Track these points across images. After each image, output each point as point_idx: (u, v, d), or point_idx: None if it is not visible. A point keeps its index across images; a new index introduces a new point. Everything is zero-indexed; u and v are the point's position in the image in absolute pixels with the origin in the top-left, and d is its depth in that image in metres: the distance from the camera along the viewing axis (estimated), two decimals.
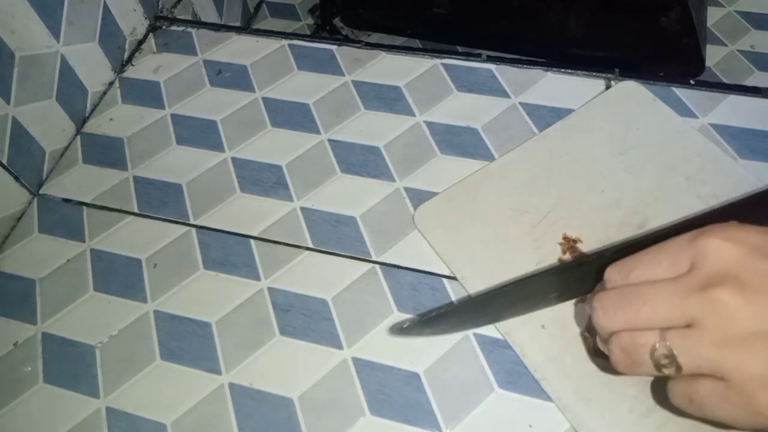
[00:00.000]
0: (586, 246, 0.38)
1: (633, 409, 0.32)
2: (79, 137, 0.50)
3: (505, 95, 0.48)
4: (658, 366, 0.26)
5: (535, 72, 0.49)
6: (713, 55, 0.65)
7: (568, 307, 0.36)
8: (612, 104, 0.45)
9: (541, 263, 0.38)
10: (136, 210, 0.45)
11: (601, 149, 0.43)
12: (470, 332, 0.37)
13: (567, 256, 0.38)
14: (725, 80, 0.63)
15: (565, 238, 0.39)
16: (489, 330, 0.37)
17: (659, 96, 0.46)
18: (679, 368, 0.26)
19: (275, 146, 0.47)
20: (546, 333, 0.36)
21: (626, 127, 0.44)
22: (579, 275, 0.33)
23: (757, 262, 0.25)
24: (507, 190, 0.42)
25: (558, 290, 0.34)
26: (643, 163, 0.42)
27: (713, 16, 0.68)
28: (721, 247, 0.26)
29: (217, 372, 0.37)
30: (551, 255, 0.38)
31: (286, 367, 0.37)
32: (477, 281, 0.38)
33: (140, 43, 0.56)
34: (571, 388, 0.34)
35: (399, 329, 0.37)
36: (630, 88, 0.46)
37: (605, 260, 0.31)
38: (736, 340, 0.25)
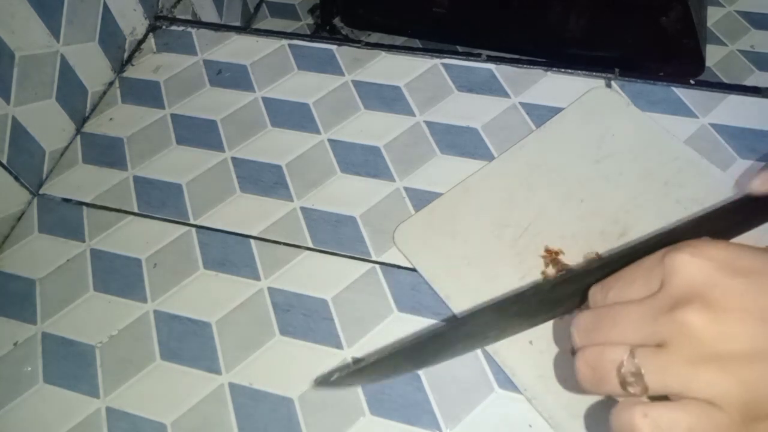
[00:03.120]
0: (569, 257, 0.38)
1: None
2: (79, 137, 0.50)
3: (505, 95, 0.48)
4: (623, 383, 0.25)
5: (535, 72, 0.49)
6: (713, 55, 0.64)
7: (555, 321, 0.36)
8: (586, 111, 0.45)
9: (525, 277, 0.38)
10: (135, 210, 0.45)
11: (577, 158, 0.43)
12: None
13: (550, 269, 0.38)
14: (725, 80, 0.63)
15: (547, 250, 0.39)
16: None
17: (659, 96, 0.46)
18: (645, 388, 0.25)
19: (275, 146, 0.47)
20: (534, 349, 0.35)
21: (601, 134, 0.43)
22: (521, 309, 0.32)
23: (723, 278, 0.25)
24: (486, 205, 0.41)
25: (497, 328, 0.33)
26: (620, 170, 0.42)
27: (713, 16, 0.68)
28: (688, 263, 0.26)
29: (217, 372, 0.37)
30: (534, 269, 0.38)
31: (286, 367, 0.37)
32: (462, 300, 0.38)
33: (140, 42, 0.56)
34: (562, 405, 0.33)
35: (327, 382, 0.34)
36: (603, 94, 0.46)
37: (544, 293, 0.32)
38: (706, 360, 0.24)
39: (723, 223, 0.33)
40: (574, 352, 0.34)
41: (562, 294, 0.32)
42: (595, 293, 0.29)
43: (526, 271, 0.38)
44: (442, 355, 0.34)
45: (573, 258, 0.38)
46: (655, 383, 0.25)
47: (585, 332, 0.28)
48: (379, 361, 0.32)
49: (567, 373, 0.34)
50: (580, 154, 0.43)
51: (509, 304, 0.33)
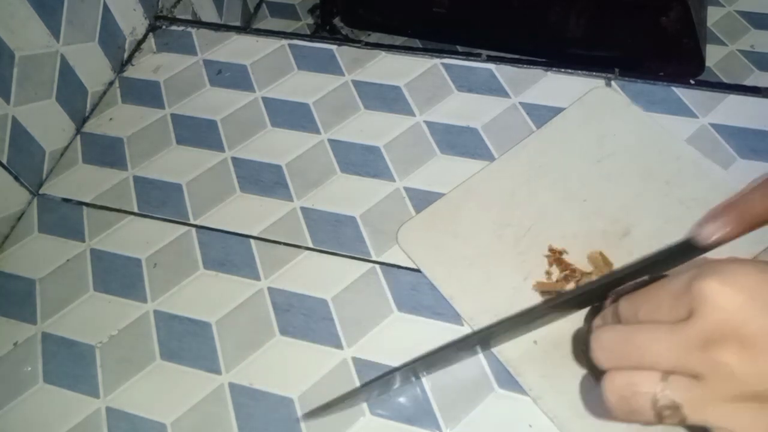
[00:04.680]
0: (572, 257, 0.38)
1: (631, 424, 0.32)
2: (78, 137, 0.50)
3: (505, 95, 0.48)
4: (659, 417, 0.25)
5: (535, 72, 0.49)
6: (713, 55, 0.64)
7: (560, 322, 0.35)
8: (587, 111, 0.45)
9: (528, 277, 0.38)
10: (135, 210, 0.45)
11: (578, 158, 0.43)
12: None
13: (554, 269, 0.38)
14: (725, 80, 0.63)
15: (551, 249, 0.39)
16: None
17: (659, 96, 0.46)
18: (683, 420, 0.24)
19: (275, 146, 0.47)
20: (538, 349, 0.35)
21: (602, 133, 0.44)
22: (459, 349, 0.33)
23: (756, 312, 0.24)
24: (488, 205, 0.41)
25: (451, 360, 0.33)
26: (621, 170, 0.42)
27: (713, 16, 0.68)
28: (718, 293, 0.24)
29: (217, 372, 0.37)
30: (538, 268, 0.38)
31: (286, 367, 0.37)
32: (465, 300, 0.38)
33: (140, 42, 0.56)
34: (567, 405, 0.33)
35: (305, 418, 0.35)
36: (604, 94, 0.46)
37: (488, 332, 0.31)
38: (746, 399, 0.24)
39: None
40: (585, 348, 0.34)
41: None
42: (624, 307, 0.29)
43: (528, 270, 0.38)
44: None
45: (576, 257, 0.38)
46: (694, 417, 0.24)
47: (610, 352, 0.27)
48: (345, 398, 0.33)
49: (571, 372, 0.34)
50: (582, 153, 0.43)
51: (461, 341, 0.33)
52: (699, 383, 0.24)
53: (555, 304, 0.33)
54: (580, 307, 0.33)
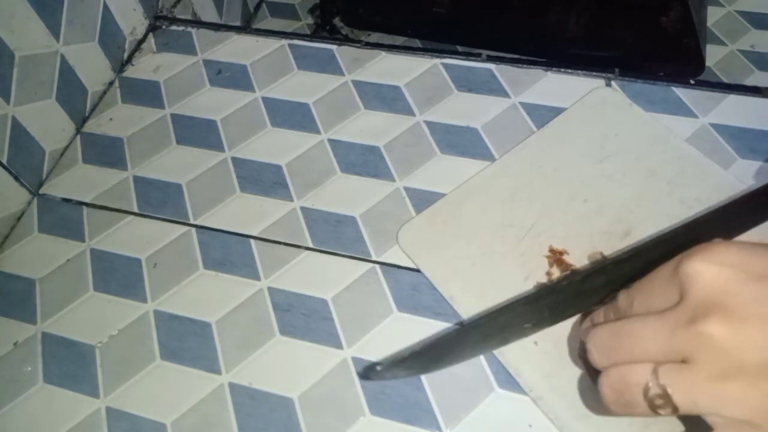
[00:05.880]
0: (573, 257, 0.38)
1: (632, 423, 0.32)
2: (78, 137, 0.50)
3: (505, 95, 0.48)
4: (652, 407, 0.25)
5: (535, 72, 0.49)
6: (713, 55, 0.64)
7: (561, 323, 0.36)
8: (588, 111, 0.45)
9: (530, 278, 0.38)
10: (135, 210, 0.45)
11: (580, 158, 0.43)
12: None
13: (554, 269, 0.38)
14: (725, 80, 0.63)
15: (552, 250, 0.39)
16: None
17: (659, 96, 0.46)
18: (675, 409, 0.24)
19: (275, 146, 0.47)
20: (539, 349, 0.35)
21: (604, 133, 0.43)
22: (551, 303, 0.32)
23: (740, 286, 0.24)
24: (490, 205, 0.41)
25: (531, 320, 0.32)
26: (623, 170, 0.42)
27: (713, 15, 0.68)
28: (702, 271, 0.25)
29: (217, 372, 0.37)
30: (539, 268, 0.38)
31: (286, 367, 0.37)
32: (466, 300, 0.38)
33: (140, 42, 0.56)
34: (567, 405, 0.33)
35: (373, 372, 0.32)
36: (606, 94, 0.46)
37: (576, 285, 0.31)
38: (733, 375, 0.23)
39: (728, 221, 0.33)
40: (584, 358, 0.34)
41: (594, 285, 0.31)
42: (621, 299, 0.29)
43: (530, 271, 0.38)
44: (480, 347, 0.34)
45: (577, 258, 0.38)
46: (685, 403, 0.24)
47: (605, 351, 0.27)
48: (417, 353, 0.32)
49: (572, 373, 0.34)
50: (584, 154, 0.43)
51: (541, 296, 0.32)
52: (687, 366, 0.24)
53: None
54: (603, 292, 0.32)
